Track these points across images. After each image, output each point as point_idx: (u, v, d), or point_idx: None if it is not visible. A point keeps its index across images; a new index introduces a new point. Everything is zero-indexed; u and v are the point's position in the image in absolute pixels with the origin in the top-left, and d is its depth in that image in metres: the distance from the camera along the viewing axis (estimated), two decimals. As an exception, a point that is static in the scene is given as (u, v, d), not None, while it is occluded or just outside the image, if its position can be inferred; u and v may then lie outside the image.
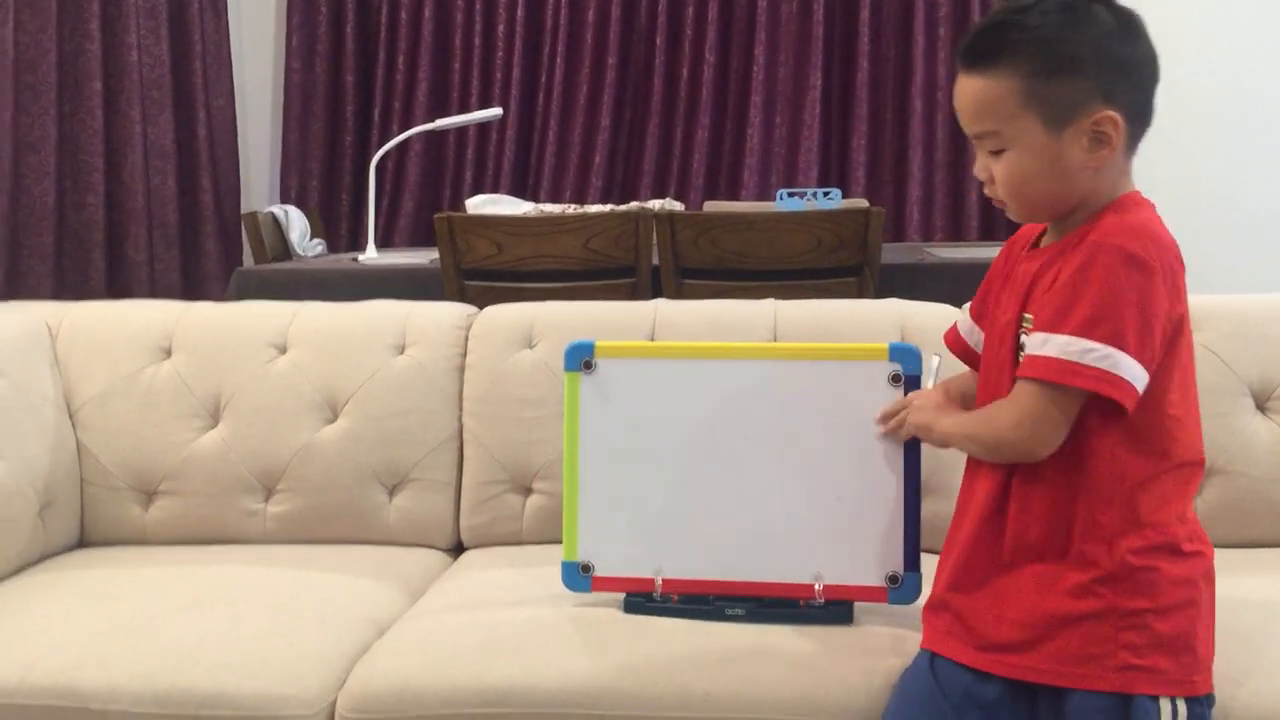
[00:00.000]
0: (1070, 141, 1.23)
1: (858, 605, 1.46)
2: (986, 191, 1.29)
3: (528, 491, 1.86)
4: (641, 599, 1.49)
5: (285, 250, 3.44)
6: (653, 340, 1.84)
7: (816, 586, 1.45)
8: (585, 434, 1.53)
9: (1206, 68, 4.10)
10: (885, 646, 1.37)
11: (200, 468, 1.88)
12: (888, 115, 4.22)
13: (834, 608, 1.45)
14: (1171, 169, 4.14)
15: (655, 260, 2.77)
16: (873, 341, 1.81)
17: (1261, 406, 1.77)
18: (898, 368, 1.46)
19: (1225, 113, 4.09)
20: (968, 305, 1.45)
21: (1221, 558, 1.70)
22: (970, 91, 1.25)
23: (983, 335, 1.38)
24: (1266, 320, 1.79)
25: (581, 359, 1.53)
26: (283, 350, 1.94)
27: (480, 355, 1.91)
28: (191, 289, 4.10)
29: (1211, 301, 1.83)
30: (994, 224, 4.14)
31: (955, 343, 1.46)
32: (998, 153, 1.25)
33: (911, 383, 1.46)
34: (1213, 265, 4.16)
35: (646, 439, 1.51)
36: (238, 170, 4.36)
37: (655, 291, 2.75)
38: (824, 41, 4.20)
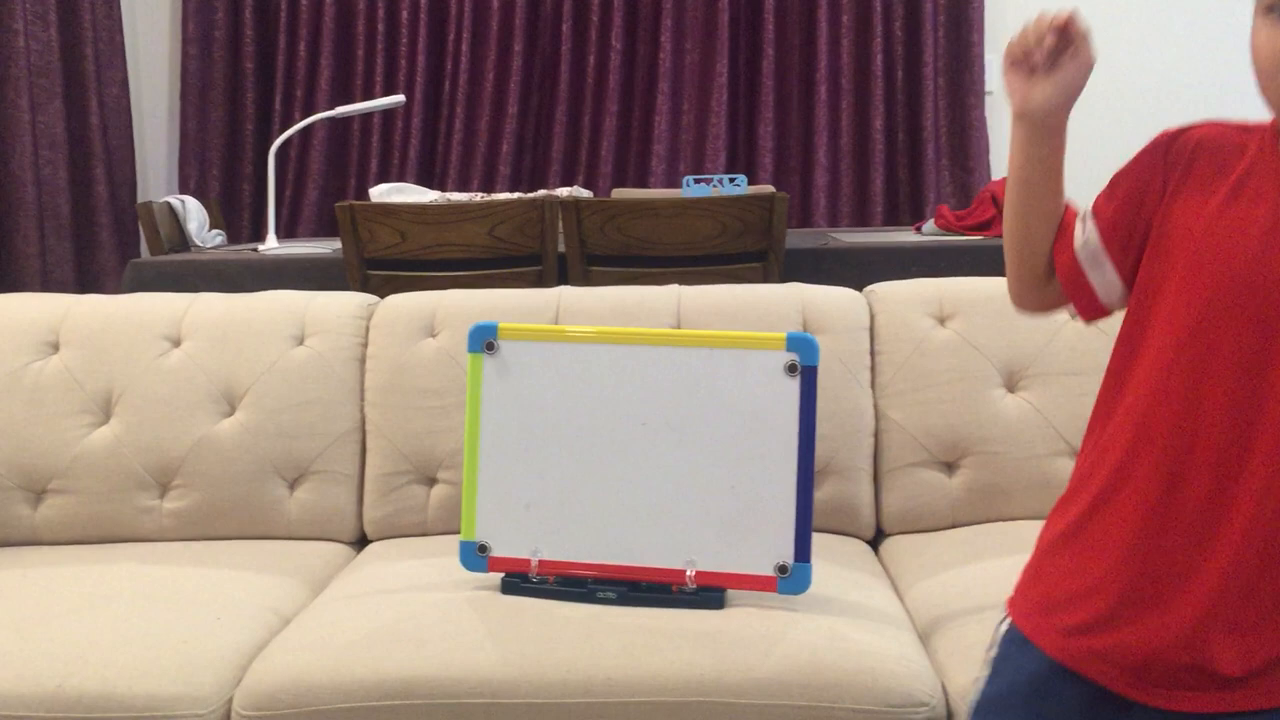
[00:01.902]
0: None
1: (730, 592, 1.47)
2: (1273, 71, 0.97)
3: (432, 482, 1.85)
4: (518, 580, 1.50)
5: (183, 241, 3.35)
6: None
7: (688, 573, 1.47)
8: (486, 415, 1.53)
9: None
10: (778, 629, 1.38)
11: (91, 465, 1.83)
12: (794, 103, 4.25)
13: (705, 594, 1.46)
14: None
15: (561, 247, 2.76)
16: (774, 325, 1.84)
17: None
18: (794, 357, 1.47)
19: (1111, 103, 4.21)
20: (1088, 220, 1.12)
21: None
22: None
23: (1111, 264, 1.09)
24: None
25: (484, 340, 1.54)
26: (176, 343, 1.89)
27: (381, 345, 1.89)
28: (86, 282, 3.99)
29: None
30: (898, 210, 4.21)
31: (1069, 269, 1.13)
32: None
33: (808, 373, 1.47)
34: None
35: (546, 421, 1.52)
36: (133, 160, 4.24)
37: (562, 279, 2.74)
38: (730, 29, 4.21)
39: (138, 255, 4.03)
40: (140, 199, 4.20)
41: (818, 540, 1.49)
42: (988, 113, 4.19)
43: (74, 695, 1.33)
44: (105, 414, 1.86)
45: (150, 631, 1.44)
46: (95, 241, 4.04)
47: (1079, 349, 1.81)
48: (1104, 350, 1.80)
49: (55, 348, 1.89)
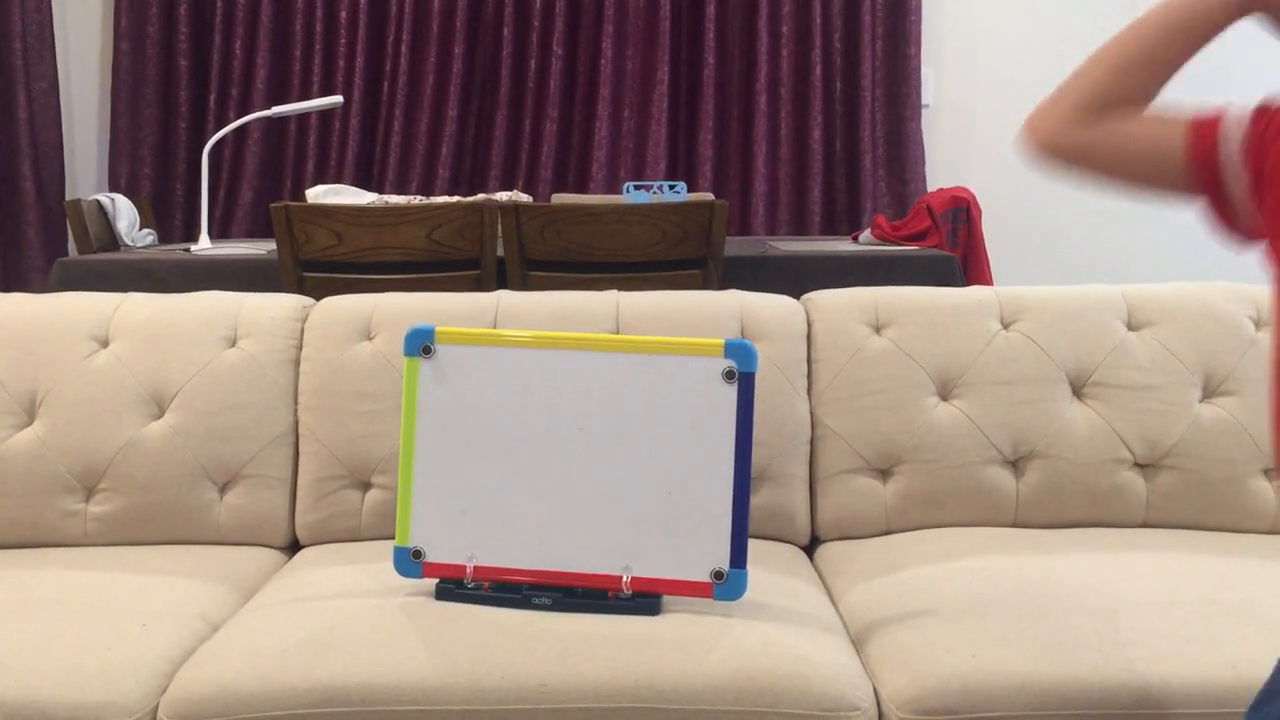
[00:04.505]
0: None
1: (666, 598, 1.47)
2: None
3: (366, 486, 1.83)
4: (452, 585, 1.49)
5: (112, 240, 3.29)
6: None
7: (624, 578, 1.47)
8: (422, 419, 1.52)
9: (1024, 71, 4.29)
10: (713, 635, 1.39)
11: (14, 468, 1.78)
12: (734, 111, 4.28)
13: (641, 600, 1.46)
14: (992, 173, 4.32)
15: (501, 252, 2.75)
16: (713, 331, 1.85)
17: (1077, 393, 1.86)
18: (732, 364, 1.48)
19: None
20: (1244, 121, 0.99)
21: (1038, 537, 1.78)
22: None
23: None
24: (1079, 310, 1.88)
25: (421, 344, 1.53)
26: (104, 343, 1.85)
27: (316, 347, 1.87)
28: (11, 281, 3.90)
29: (1030, 293, 1.92)
30: (835, 219, 4.25)
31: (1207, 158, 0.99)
32: None
33: (745, 379, 1.48)
34: (1030, 258, 4.37)
35: (482, 426, 1.51)
36: (62, 157, 4.16)
37: (500, 283, 2.74)
38: (671, 37, 4.23)
39: (65, 254, 3.95)
40: (69, 196, 4.11)
41: (753, 546, 1.50)
42: (924, 125, 4.25)
43: (-8, 704, 1.30)
44: (29, 415, 1.81)
45: (74, 638, 1.41)
46: (21, 239, 3.95)
47: (1010, 358, 1.85)
48: (1035, 359, 1.85)
49: (-23, 347, 1.84)
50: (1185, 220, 4.30)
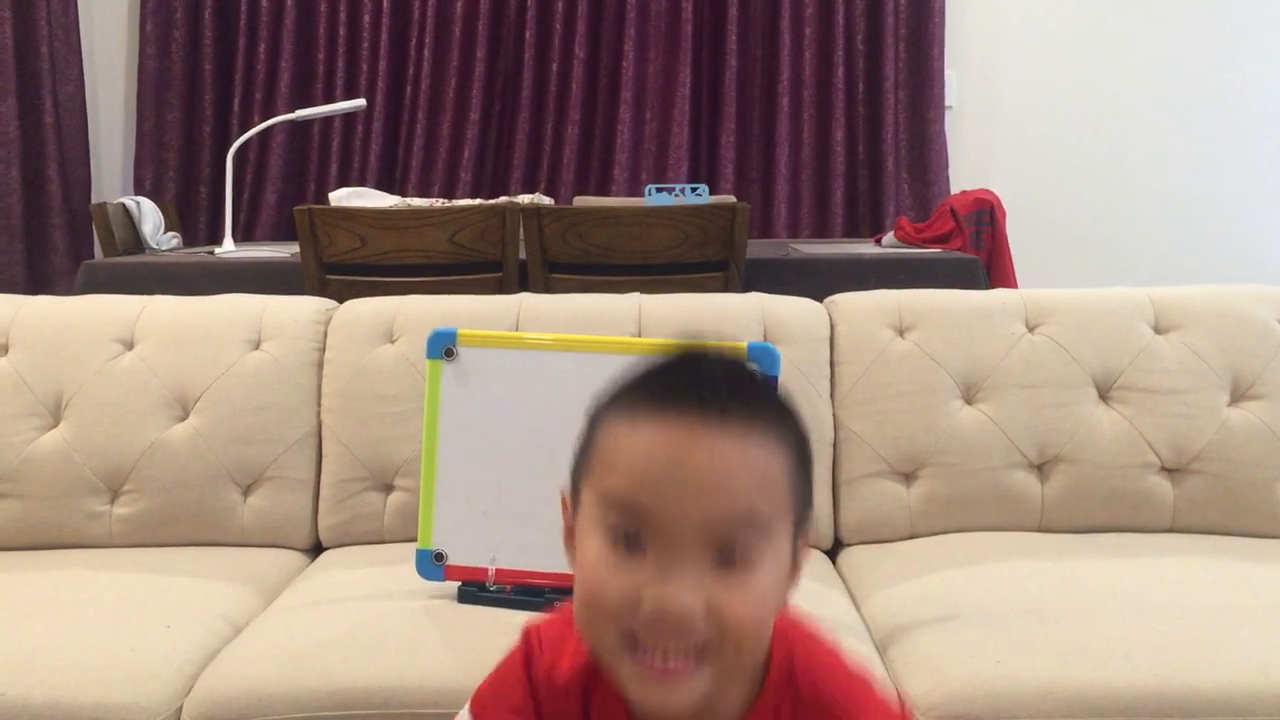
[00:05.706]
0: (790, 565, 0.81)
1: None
2: (681, 636, 0.76)
3: (389, 489, 1.83)
4: (475, 589, 1.49)
5: (137, 243, 3.31)
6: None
7: None
8: (444, 422, 1.52)
9: (1048, 73, 4.27)
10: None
11: (40, 469, 1.79)
12: (755, 113, 4.27)
13: None
14: (1016, 175, 4.30)
15: (522, 255, 2.75)
16: (735, 334, 1.84)
17: (1103, 396, 1.84)
18: (755, 367, 1.47)
19: (1069, 119, 4.26)
20: None
21: (1064, 542, 1.77)
22: (745, 456, 0.76)
23: None
24: (1105, 313, 1.86)
25: (443, 346, 1.53)
26: (129, 346, 1.87)
27: (339, 350, 1.87)
28: (37, 284, 3.92)
29: (1055, 296, 1.90)
30: (858, 222, 4.23)
31: None
32: (733, 564, 0.76)
33: (769, 383, 1.46)
34: (1054, 261, 4.33)
35: (504, 429, 1.51)
36: (88, 160, 4.18)
37: (522, 286, 2.73)
38: (693, 39, 4.22)
39: (91, 257, 3.97)
40: (94, 200, 4.14)
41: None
42: (947, 127, 4.23)
43: (18, 704, 1.30)
44: (55, 417, 1.83)
45: (98, 639, 1.41)
46: (48, 242, 3.98)
47: (1034, 362, 1.83)
48: (1061, 363, 1.83)
49: (4, 349, 1.86)
50: (1213, 223, 4.26)
